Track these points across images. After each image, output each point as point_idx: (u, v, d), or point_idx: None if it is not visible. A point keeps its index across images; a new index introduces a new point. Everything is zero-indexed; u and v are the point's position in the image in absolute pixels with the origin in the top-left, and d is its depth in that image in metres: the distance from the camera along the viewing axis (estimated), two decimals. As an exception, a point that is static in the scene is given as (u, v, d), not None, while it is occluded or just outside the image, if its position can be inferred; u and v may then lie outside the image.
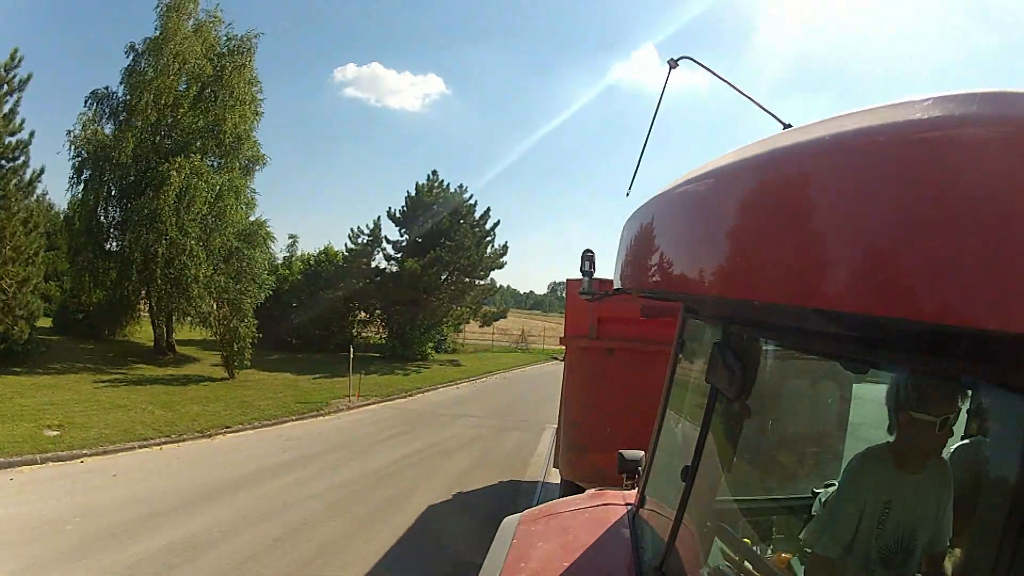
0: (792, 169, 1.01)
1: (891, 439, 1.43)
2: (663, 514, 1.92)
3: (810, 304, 0.93)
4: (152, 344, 20.27)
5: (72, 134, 18.35)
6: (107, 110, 19.28)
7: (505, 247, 28.07)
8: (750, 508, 1.90)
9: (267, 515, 7.24)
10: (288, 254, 28.62)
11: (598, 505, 2.71)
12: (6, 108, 13.24)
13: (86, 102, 19.06)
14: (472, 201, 27.18)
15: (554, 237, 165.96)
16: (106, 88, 19.36)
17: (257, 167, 21.44)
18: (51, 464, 8.69)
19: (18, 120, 13.97)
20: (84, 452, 9.31)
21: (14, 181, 13.79)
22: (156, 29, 18.79)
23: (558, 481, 7.29)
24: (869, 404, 1.59)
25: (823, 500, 1.79)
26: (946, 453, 1.42)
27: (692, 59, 2.23)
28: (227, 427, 11.78)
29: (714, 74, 2.27)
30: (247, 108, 20.12)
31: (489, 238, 27.41)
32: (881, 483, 1.43)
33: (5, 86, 13.22)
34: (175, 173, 17.46)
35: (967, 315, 0.70)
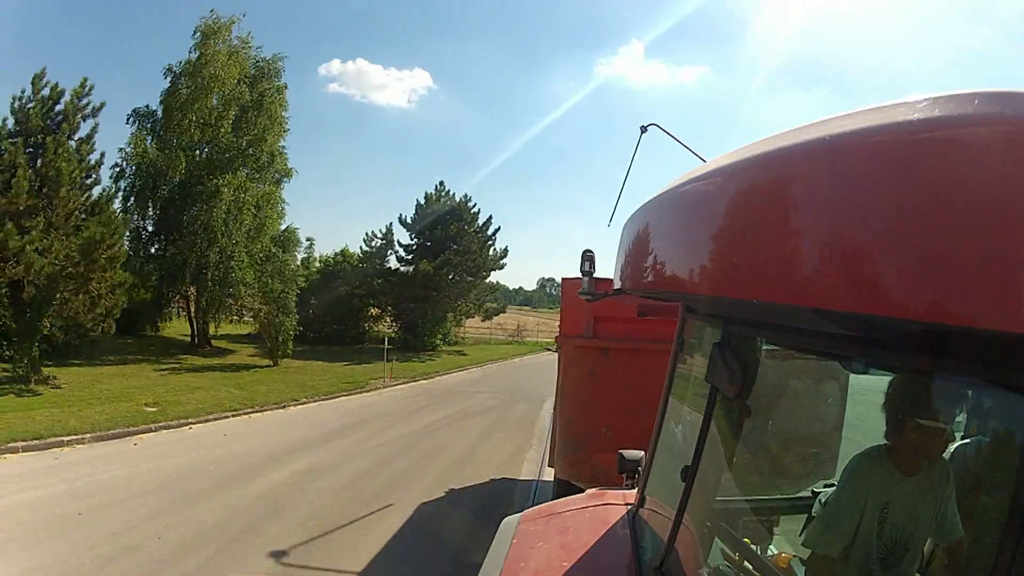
0: (791, 169, 1.00)
1: (887, 441, 1.43)
2: (663, 514, 1.91)
3: (810, 304, 0.92)
4: (187, 338, 22.49)
5: (124, 151, 20.76)
6: (148, 126, 21.21)
7: (506, 250, 31.87)
8: (750, 508, 1.90)
9: (352, 457, 9.63)
10: (306, 255, 30.33)
11: (598, 505, 2.70)
12: (82, 133, 13.99)
13: (128, 119, 21.21)
14: (476, 209, 30.98)
15: (543, 234, 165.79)
16: (147, 106, 21.46)
17: (286, 179, 23.56)
18: (164, 431, 10.46)
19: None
20: (189, 421, 11.17)
21: (103, 197, 14.78)
22: (192, 52, 20.62)
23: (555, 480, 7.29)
24: (868, 402, 1.59)
25: (823, 500, 1.79)
26: (946, 453, 1.42)
27: (659, 127, 2.79)
28: (295, 400, 14.26)
29: (679, 143, 2.81)
30: (279, 127, 22.27)
31: (491, 242, 31.13)
32: (880, 484, 1.43)
33: (79, 114, 13.86)
34: (225, 189, 20.13)
35: (966, 315, 0.69)
